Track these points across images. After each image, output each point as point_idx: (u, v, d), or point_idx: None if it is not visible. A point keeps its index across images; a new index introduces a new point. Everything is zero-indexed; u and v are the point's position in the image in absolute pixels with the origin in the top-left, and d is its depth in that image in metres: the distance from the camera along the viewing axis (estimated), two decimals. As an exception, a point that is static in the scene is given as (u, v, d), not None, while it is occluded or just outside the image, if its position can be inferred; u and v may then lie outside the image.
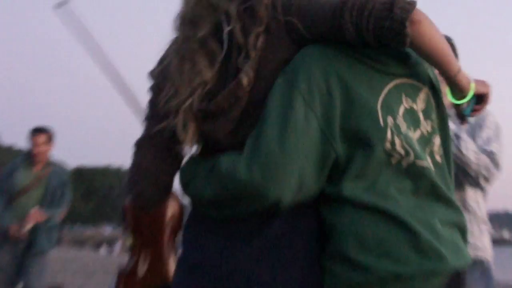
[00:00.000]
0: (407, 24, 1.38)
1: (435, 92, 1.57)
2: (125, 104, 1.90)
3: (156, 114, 1.59)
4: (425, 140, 1.52)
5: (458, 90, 1.57)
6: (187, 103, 1.52)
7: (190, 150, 1.60)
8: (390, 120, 1.44)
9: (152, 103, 1.63)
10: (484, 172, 2.54)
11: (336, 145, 1.41)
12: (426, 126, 1.53)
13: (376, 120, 1.42)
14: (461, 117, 2.66)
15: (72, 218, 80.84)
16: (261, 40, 1.49)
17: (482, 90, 1.64)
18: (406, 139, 1.45)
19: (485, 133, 2.63)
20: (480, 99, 1.66)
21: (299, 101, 1.40)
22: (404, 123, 1.47)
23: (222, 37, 1.55)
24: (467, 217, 2.42)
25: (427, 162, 1.49)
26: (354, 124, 1.42)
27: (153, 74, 1.65)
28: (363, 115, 1.42)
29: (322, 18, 1.46)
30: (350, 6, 1.42)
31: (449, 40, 2.47)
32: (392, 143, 1.43)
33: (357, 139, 1.42)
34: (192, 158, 1.59)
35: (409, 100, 1.51)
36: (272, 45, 1.50)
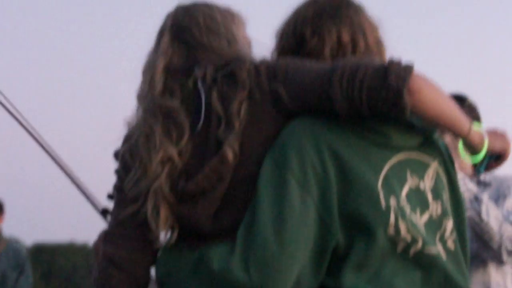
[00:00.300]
0: (405, 94, 1.25)
1: (447, 167, 1.43)
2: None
3: (124, 199, 1.44)
4: (435, 224, 1.37)
5: (470, 149, 1.41)
6: (156, 183, 1.37)
7: (165, 238, 1.44)
8: (393, 202, 1.30)
9: (119, 187, 1.48)
10: (508, 245, 2.19)
11: (335, 232, 1.28)
12: (435, 207, 1.38)
13: (377, 202, 1.29)
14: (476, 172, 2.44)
15: (32, 301, 78.08)
16: (244, 107, 1.35)
17: (498, 146, 1.45)
18: (412, 224, 1.31)
19: (511, 204, 2.30)
20: (498, 157, 1.49)
21: (293, 184, 1.27)
22: (409, 205, 1.33)
23: (197, 106, 1.41)
24: None
25: (438, 250, 1.35)
26: (353, 207, 1.29)
27: (119, 155, 1.50)
28: (362, 196, 1.29)
29: (308, 87, 1.33)
30: (339, 74, 1.29)
31: (463, 98, 2.36)
32: (396, 229, 1.30)
33: (357, 224, 1.29)
34: (170, 248, 1.42)
35: (415, 177, 1.36)
36: (256, 115, 1.36)
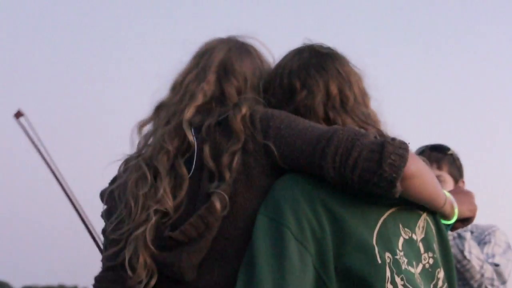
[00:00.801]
0: (398, 183, 1.25)
1: (435, 216, 1.44)
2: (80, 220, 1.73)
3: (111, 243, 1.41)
4: (428, 275, 1.37)
5: (443, 217, 1.48)
6: (140, 230, 1.34)
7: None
8: (388, 256, 1.29)
9: (104, 231, 1.46)
10: (488, 285, 2.23)
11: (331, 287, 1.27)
12: (427, 258, 1.38)
13: (373, 257, 1.28)
14: None
15: None
16: (236, 160, 1.33)
17: (467, 212, 1.53)
18: (408, 278, 1.30)
19: (491, 249, 2.34)
20: (465, 219, 1.57)
21: (291, 239, 1.25)
22: (404, 258, 1.32)
23: (191, 156, 1.39)
24: None
25: None
26: (348, 262, 1.27)
27: (104, 195, 1.47)
28: (358, 252, 1.27)
29: (300, 152, 1.31)
30: (333, 148, 1.27)
31: (446, 149, 2.44)
32: (394, 284, 1.28)
33: (354, 281, 1.27)
34: None
35: (407, 230, 1.36)
36: (249, 168, 1.34)
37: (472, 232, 2.39)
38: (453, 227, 1.53)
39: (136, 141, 1.48)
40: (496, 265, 2.24)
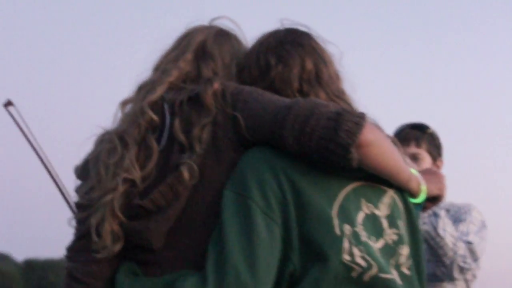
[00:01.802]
0: (352, 150, 1.27)
1: (404, 195, 1.45)
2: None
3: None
4: (390, 251, 1.38)
5: (410, 195, 1.48)
6: (108, 197, 1.38)
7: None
8: (347, 228, 1.32)
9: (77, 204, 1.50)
10: (460, 262, 2.23)
11: (293, 257, 1.30)
12: (390, 234, 1.39)
13: (331, 229, 1.30)
14: None
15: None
16: (206, 132, 1.37)
17: (435, 190, 1.55)
18: (366, 250, 1.33)
19: (466, 227, 2.33)
20: (434, 198, 1.58)
21: (257, 212, 1.29)
22: (364, 232, 1.34)
23: (161, 128, 1.44)
24: None
25: (393, 275, 1.36)
26: (308, 233, 1.30)
27: (78, 171, 1.52)
28: (316, 223, 1.30)
29: (264, 122, 1.35)
30: (293, 116, 1.31)
31: (424, 128, 2.46)
32: (351, 254, 1.31)
33: (312, 250, 1.30)
34: (126, 272, 1.41)
35: (370, 205, 1.38)
36: (217, 140, 1.38)
37: (448, 211, 2.40)
38: (424, 207, 1.54)
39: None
40: (469, 243, 2.24)
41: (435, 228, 2.21)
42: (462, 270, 2.24)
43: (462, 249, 2.22)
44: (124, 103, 1.52)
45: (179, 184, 1.35)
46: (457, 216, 2.38)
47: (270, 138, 1.35)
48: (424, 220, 2.17)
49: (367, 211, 1.37)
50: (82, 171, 1.50)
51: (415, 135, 2.42)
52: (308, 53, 1.48)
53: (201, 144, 1.36)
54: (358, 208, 1.36)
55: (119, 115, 1.52)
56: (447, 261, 2.25)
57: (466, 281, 2.34)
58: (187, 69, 1.51)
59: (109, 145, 1.44)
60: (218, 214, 1.32)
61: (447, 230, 2.23)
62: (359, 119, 1.29)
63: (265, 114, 1.35)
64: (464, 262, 2.22)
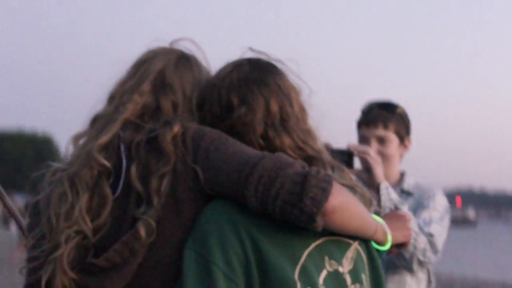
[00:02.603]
0: (318, 218, 1.23)
1: (367, 244, 1.44)
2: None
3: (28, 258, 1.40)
4: None
5: (376, 244, 1.48)
6: (58, 252, 1.31)
7: None
8: None
9: (26, 245, 1.43)
10: (419, 255, 2.25)
11: None
12: None
13: None
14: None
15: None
16: (165, 183, 1.30)
17: (400, 238, 1.56)
18: None
19: (428, 215, 2.35)
20: (399, 245, 1.59)
21: (219, 277, 1.24)
22: None
23: (117, 173, 1.35)
24: None
25: None
26: None
27: (29, 210, 1.45)
28: (278, 286, 1.26)
29: (225, 179, 1.28)
30: (257, 177, 1.24)
31: (394, 107, 2.43)
32: None
33: None
34: None
35: (333, 262, 1.35)
36: (177, 191, 1.31)
37: (412, 194, 2.44)
38: (389, 252, 1.54)
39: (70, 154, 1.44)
40: (431, 235, 2.26)
41: None
42: (421, 263, 2.26)
43: (422, 243, 2.22)
44: (76, 138, 1.43)
45: (136, 241, 1.29)
46: (421, 202, 2.39)
47: (231, 195, 1.29)
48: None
49: (330, 269, 1.34)
50: (33, 212, 1.44)
51: (383, 117, 2.38)
52: (273, 93, 1.41)
53: (160, 197, 1.29)
54: (321, 267, 1.33)
55: (71, 150, 1.43)
56: (407, 255, 2.26)
57: (427, 270, 2.39)
58: (144, 102, 1.42)
59: (60, 189, 1.36)
60: (177, 270, 1.28)
61: None
62: (326, 185, 1.23)
63: (227, 170, 1.29)
64: (424, 256, 2.24)
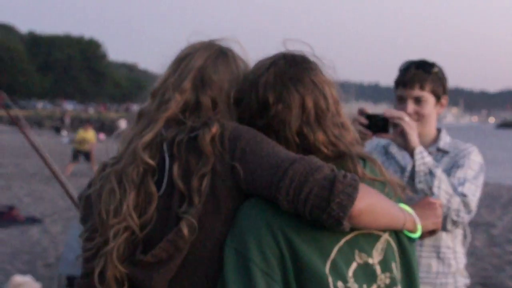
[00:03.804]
0: (344, 221, 1.30)
1: (398, 235, 1.49)
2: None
3: (83, 249, 1.50)
4: None
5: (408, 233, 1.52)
6: (109, 247, 1.41)
7: None
8: (340, 285, 1.36)
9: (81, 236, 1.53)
10: (453, 216, 2.25)
11: None
12: (383, 279, 1.44)
13: (326, 286, 1.34)
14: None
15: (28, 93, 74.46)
16: (205, 183, 1.38)
17: (430, 226, 1.64)
18: None
19: (463, 173, 2.35)
20: (430, 231, 1.66)
21: (257, 273, 1.32)
22: (355, 284, 1.38)
23: (161, 170, 1.44)
24: (440, 268, 2.36)
25: None
26: None
27: (82, 203, 1.55)
28: (311, 281, 1.34)
29: (260, 181, 1.35)
30: (288, 180, 1.31)
31: (431, 66, 2.41)
32: None
33: None
34: None
35: (363, 255, 1.41)
36: (216, 190, 1.39)
37: (448, 153, 2.45)
38: (421, 237, 1.59)
39: (116, 148, 1.52)
40: (464, 195, 2.26)
41: (430, 188, 2.20)
42: (455, 223, 2.28)
43: (456, 203, 2.24)
44: (122, 135, 1.52)
45: (180, 239, 1.37)
46: (456, 160, 2.41)
47: (265, 196, 1.36)
48: (420, 179, 2.19)
49: (360, 261, 1.41)
50: (85, 206, 1.53)
51: (420, 77, 2.38)
52: (308, 89, 1.45)
53: (201, 196, 1.37)
54: (351, 260, 1.39)
55: (118, 146, 1.51)
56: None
57: (463, 226, 2.44)
58: (185, 99, 1.49)
59: (109, 185, 1.44)
60: (219, 263, 1.37)
61: (441, 188, 2.22)
62: (352, 190, 1.29)
63: (261, 172, 1.35)
64: (458, 216, 2.25)
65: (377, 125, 2.16)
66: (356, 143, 1.50)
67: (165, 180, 1.43)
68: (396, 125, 2.21)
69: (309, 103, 1.44)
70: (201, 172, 1.38)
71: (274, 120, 1.45)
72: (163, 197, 1.43)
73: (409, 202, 1.60)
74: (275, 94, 1.44)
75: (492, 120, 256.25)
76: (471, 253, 7.45)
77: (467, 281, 2.47)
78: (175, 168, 1.40)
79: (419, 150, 2.20)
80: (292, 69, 1.47)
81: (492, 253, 8.13)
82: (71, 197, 2.07)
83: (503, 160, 29.53)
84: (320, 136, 1.44)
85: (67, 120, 44.39)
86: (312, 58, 1.51)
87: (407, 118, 2.19)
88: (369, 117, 2.19)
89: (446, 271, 2.41)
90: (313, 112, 1.45)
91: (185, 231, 1.36)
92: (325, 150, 1.45)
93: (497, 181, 17.83)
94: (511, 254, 8.15)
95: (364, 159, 1.50)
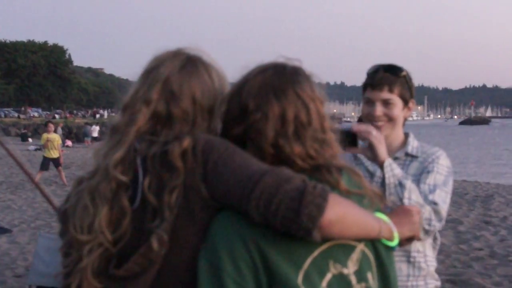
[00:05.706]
0: (314, 232, 1.30)
1: (374, 244, 1.49)
2: None
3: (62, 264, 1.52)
4: None
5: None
6: (83, 263, 1.43)
7: None
8: None
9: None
10: (425, 225, 2.26)
11: None
12: None
13: None
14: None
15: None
16: (175, 196, 1.38)
17: (407, 233, 1.65)
18: None
19: (433, 179, 2.38)
20: (408, 238, 1.68)
21: (230, 284, 1.33)
22: None
23: (134, 184, 1.44)
24: (410, 271, 2.37)
25: None
26: None
27: (60, 216, 1.55)
28: None
29: (230, 193, 1.36)
30: (258, 193, 1.32)
31: (398, 70, 2.42)
32: None
33: None
34: None
35: (338, 265, 1.41)
36: (190, 203, 1.39)
37: (416, 157, 2.47)
38: (400, 245, 1.59)
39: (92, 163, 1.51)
40: (435, 203, 2.28)
41: (401, 199, 2.20)
42: (427, 232, 2.30)
43: (427, 213, 2.26)
44: (98, 150, 1.52)
45: (151, 253, 1.38)
46: (425, 166, 2.42)
47: (237, 208, 1.37)
48: (390, 191, 2.20)
49: (335, 272, 1.41)
50: (63, 220, 1.53)
51: (389, 80, 2.40)
52: (290, 102, 1.44)
53: (171, 210, 1.37)
54: (325, 271, 1.39)
55: (92, 161, 1.51)
56: None
57: (434, 237, 2.48)
58: (152, 111, 1.49)
59: (82, 201, 1.45)
60: (194, 274, 1.38)
61: (412, 199, 2.22)
62: (321, 200, 1.30)
63: (232, 185, 1.36)
64: (429, 225, 2.27)
65: (346, 140, 2.16)
66: (336, 158, 1.50)
67: (138, 195, 1.43)
68: (364, 139, 2.23)
69: (290, 115, 1.44)
70: (171, 186, 1.38)
71: (251, 128, 1.44)
72: (137, 212, 1.43)
73: (384, 210, 1.61)
74: (255, 102, 1.44)
75: (456, 117, 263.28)
76: (439, 251, 7.46)
77: (437, 283, 2.49)
78: (146, 183, 1.41)
79: (388, 162, 2.21)
80: (277, 80, 1.46)
81: (460, 250, 8.23)
82: (51, 203, 2.02)
83: (468, 156, 30.31)
84: (297, 149, 1.44)
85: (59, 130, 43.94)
86: (306, 72, 1.51)
87: (374, 132, 2.20)
88: (340, 132, 2.20)
89: (417, 274, 2.42)
90: (292, 124, 1.44)
91: (155, 245, 1.37)
92: (300, 163, 1.45)
93: (462, 178, 18.39)
94: (478, 250, 8.27)
95: (342, 169, 1.49)
